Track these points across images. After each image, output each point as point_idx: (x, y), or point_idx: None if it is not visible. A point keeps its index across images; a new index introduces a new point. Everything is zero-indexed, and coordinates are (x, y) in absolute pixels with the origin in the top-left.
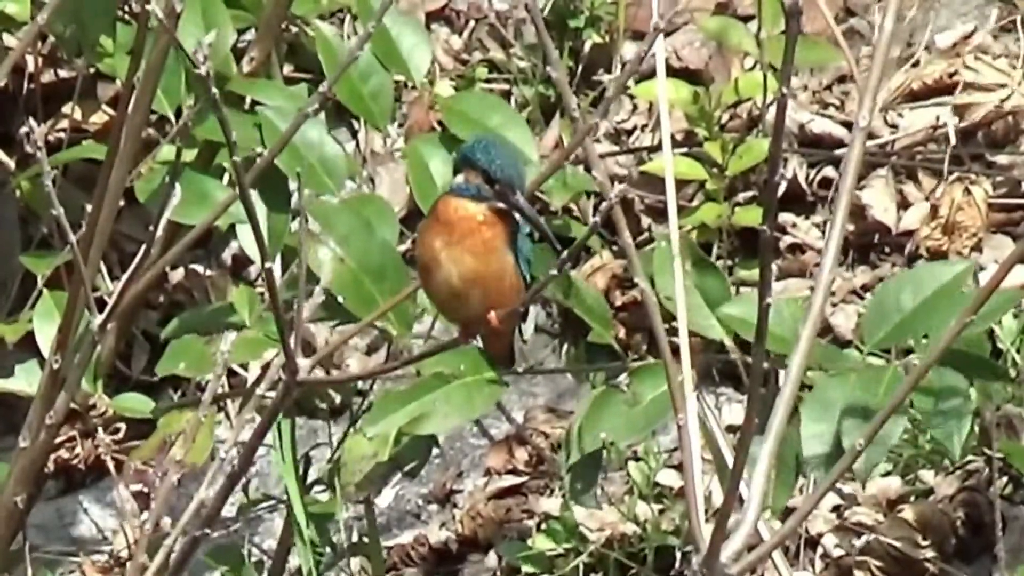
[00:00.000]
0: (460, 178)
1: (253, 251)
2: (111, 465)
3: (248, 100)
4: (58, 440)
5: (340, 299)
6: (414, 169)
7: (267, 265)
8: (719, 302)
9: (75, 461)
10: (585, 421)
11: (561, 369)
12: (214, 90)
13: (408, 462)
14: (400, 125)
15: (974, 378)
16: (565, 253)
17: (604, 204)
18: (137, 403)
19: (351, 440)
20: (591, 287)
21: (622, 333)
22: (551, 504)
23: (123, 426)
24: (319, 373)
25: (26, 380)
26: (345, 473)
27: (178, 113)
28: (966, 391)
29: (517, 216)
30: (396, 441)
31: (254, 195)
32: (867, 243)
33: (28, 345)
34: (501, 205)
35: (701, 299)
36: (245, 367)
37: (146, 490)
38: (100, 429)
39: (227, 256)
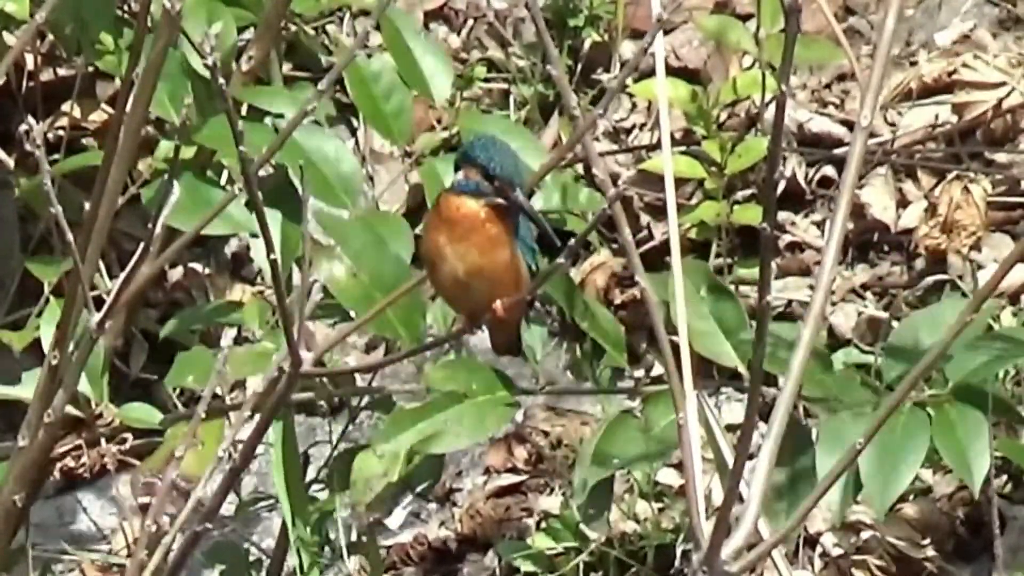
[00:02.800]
0: (460, 175)
1: (261, 258)
2: (111, 467)
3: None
4: (63, 449)
5: (352, 314)
6: (430, 186)
7: (272, 257)
8: (734, 329)
9: (80, 470)
10: (598, 447)
11: (577, 391)
12: (221, 80)
13: (420, 482)
14: None
15: (993, 415)
16: (571, 242)
17: (604, 201)
18: (144, 413)
19: (361, 458)
20: (608, 313)
21: (622, 332)
22: (551, 503)
23: (130, 437)
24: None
25: (33, 389)
26: (355, 492)
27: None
28: (984, 428)
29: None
30: (407, 460)
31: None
32: (866, 241)
33: (35, 351)
34: (500, 201)
35: (715, 325)
36: None
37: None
38: (104, 440)
39: (227, 254)
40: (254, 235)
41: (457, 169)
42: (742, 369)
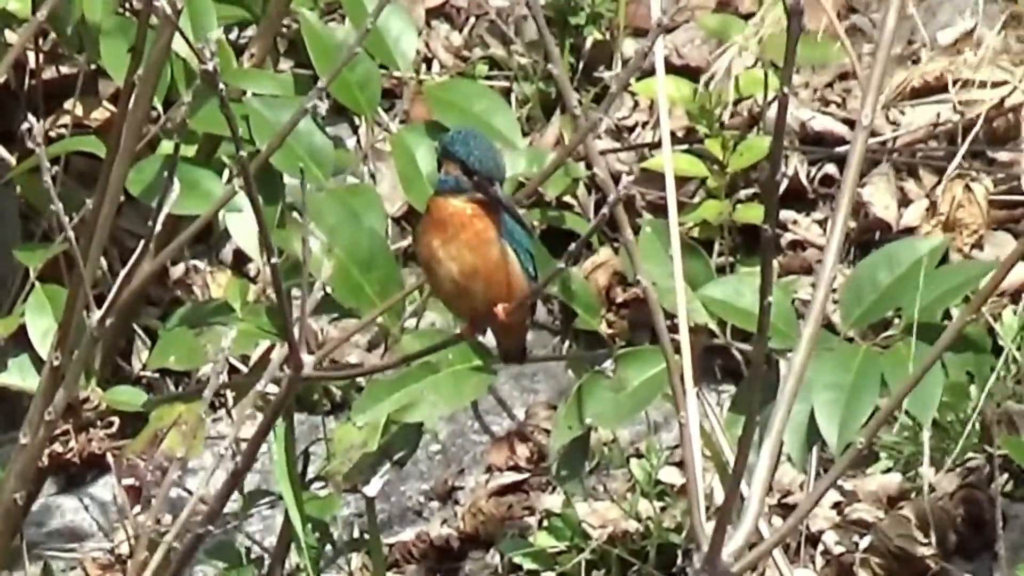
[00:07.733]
0: (441, 172)
1: (243, 241)
2: (111, 462)
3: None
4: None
5: (327, 289)
6: (400, 158)
7: (273, 261)
8: (702, 283)
9: (69, 455)
10: (570, 407)
11: (548, 357)
12: (222, 86)
13: (397, 451)
14: (403, 122)
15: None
16: (571, 247)
17: (609, 200)
18: (130, 396)
19: (340, 429)
20: (580, 277)
21: (595, 295)
22: (553, 501)
23: (117, 420)
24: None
25: (19, 375)
26: (334, 462)
27: (166, 105)
28: (936, 363)
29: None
30: (385, 430)
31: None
32: (868, 240)
33: (20, 339)
34: (480, 196)
35: (684, 282)
36: (246, 360)
37: (138, 484)
38: (95, 423)
39: (228, 252)
40: (231, 211)
41: (440, 166)
42: (714, 327)
